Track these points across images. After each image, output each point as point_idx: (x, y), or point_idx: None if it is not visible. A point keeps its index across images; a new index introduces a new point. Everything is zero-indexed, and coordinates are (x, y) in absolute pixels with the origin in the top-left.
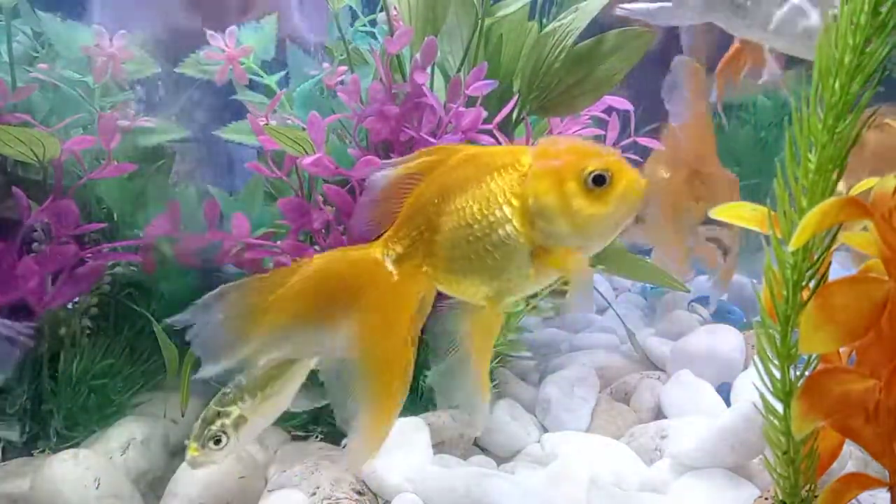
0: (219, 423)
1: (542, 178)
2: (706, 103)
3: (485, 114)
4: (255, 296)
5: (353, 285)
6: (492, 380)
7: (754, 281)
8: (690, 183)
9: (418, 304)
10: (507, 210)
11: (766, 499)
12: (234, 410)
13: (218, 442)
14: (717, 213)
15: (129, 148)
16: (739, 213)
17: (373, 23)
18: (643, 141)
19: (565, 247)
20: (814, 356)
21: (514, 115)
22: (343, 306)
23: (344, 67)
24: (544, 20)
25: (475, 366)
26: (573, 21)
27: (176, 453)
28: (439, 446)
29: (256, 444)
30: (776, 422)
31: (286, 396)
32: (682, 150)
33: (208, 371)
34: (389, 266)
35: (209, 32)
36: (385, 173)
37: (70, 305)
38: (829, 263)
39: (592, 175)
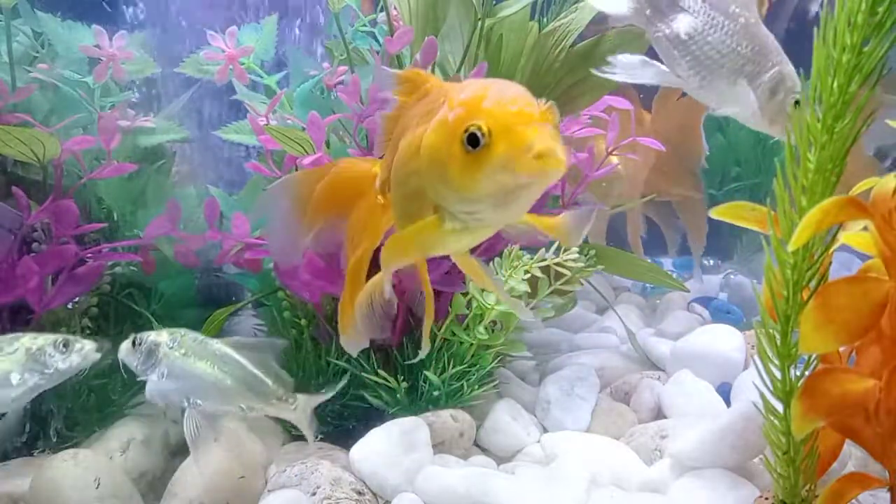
0: (154, 335)
1: (434, 132)
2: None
3: None
4: (304, 188)
5: (353, 193)
6: (492, 380)
7: (754, 281)
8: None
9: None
10: (414, 163)
11: (766, 499)
12: (164, 338)
13: (135, 343)
14: (716, 213)
15: (128, 148)
16: (739, 213)
17: (373, 23)
18: (644, 141)
19: (457, 211)
20: (814, 356)
21: None
22: (344, 208)
23: (344, 67)
24: (544, 20)
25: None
26: (573, 21)
27: (176, 453)
28: (439, 446)
29: (257, 445)
30: (776, 422)
31: (196, 383)
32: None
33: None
34: (377, 188)
35: (209, 32)
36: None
37: (70, 305)
38: (830, 263)
39: (467, 134)
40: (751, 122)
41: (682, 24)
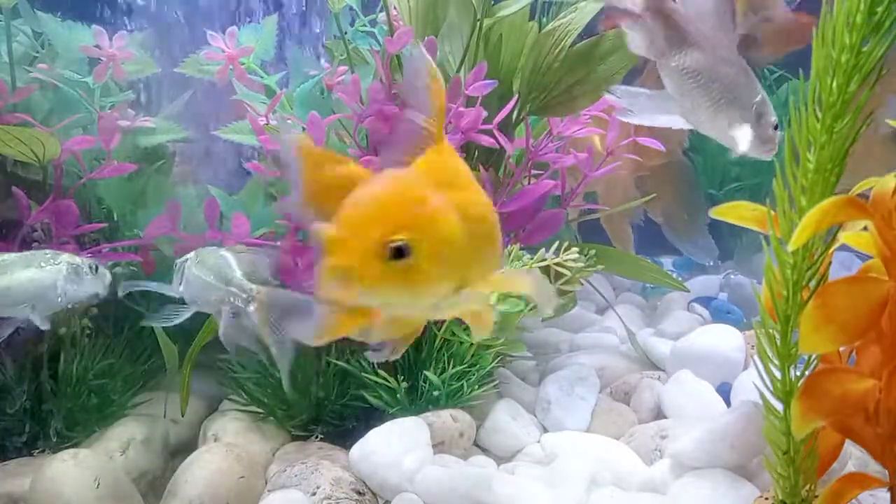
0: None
1: None
2: None
3: (485, 114)
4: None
5: None
6: (492, 380)
7: (754, 281)
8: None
9: None
10: None
11: (766, 499)
12: (190, 255)
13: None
14: (716, 213)
15: (128, 148)
16: (739, 213)
17: (373, 23)
18: (643, 141)
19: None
20: (814, 356)
21: (515, 115)
22: None
23: (344, 67)
24: (544, 20)
25: None
26: (573, 21)
27: (176, 453)
28: (439, 446)
29: (257, 445)
30: (776, 422)
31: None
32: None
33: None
34: None
35: (209, 32)
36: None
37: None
38: (829, 263)
39: None
40: (741, 148)
41: (697, 56)
